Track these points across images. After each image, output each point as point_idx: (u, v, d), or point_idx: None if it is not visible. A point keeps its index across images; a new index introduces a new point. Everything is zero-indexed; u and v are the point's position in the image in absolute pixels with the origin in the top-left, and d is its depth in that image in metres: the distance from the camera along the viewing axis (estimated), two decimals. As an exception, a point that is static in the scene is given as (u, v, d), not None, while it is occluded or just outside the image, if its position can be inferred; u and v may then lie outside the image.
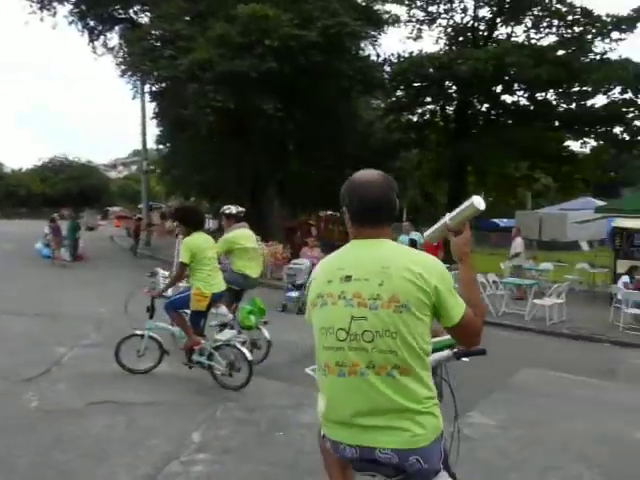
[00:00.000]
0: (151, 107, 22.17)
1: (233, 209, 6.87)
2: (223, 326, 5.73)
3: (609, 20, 18.42)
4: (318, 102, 16.96)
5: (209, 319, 5.70)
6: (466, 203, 2.09)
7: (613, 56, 18.52)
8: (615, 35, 18.64)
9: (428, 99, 21.27)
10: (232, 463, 3.76)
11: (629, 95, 18.19)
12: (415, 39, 22.07)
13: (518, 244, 13.16)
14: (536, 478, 3.84)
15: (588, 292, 13.94)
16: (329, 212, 28.64)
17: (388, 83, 19.81)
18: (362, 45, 18.24)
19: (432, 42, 23.40)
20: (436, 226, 2.19)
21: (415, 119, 23.03)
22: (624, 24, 18.32)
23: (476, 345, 1.99)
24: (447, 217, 2.12)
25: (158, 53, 16.48)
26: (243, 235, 6.67)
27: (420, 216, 28.41)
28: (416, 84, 19.75)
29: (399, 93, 21.07)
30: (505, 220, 30.25)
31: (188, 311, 5.52)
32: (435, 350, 2.21)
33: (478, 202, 2.04)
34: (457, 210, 2.10)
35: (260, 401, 5.09)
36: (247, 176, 19.87)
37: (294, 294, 10.44)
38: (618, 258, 12.67)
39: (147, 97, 21.51)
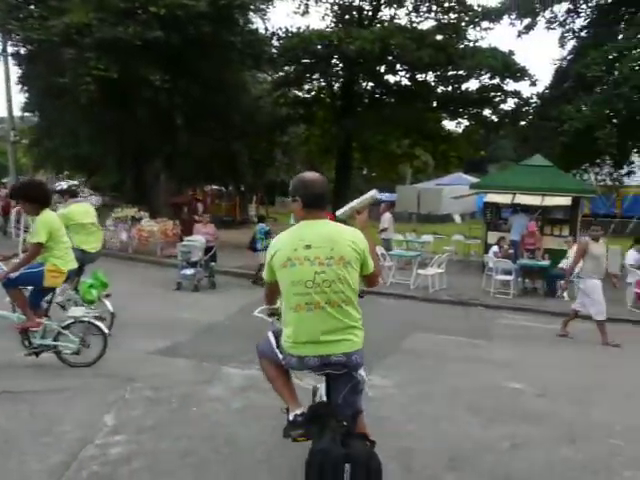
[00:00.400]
0: (15, 71, 20.08)
1: (64, 185, 6.98)
2: (51, 303, 5.60)
3: (480, 10, 19.84)
4: (206, 74, 16.44)
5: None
6: (369, 193, 3.15)
7: (484, 44, 20.08)
8: (485, 24, 20.15)
9: (316, 76, 21.48)
10: (150, 441, 3.78)
11: (497, 81, 19.86)
12: (302, 14, 22.12)
13: (386, 219, 13.87)
14: (431, 426, 4.33)
15: (463, 261, 15.30)
16: (214, 187, 28.00)
17: (277, 58, 19.70)
18: (251, 18, 17.92)
19: (319, 18, 23.60)
20: (347, 207, 3.15)
21: (303, 95, 23.22)
22: (493, 14, 19.82)
23: (376, 286, 2.99)
24: (355, 202, 3.13)
25: (25, 12, 14.93)
26: (79, 210, 6.67)
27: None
28: (305, 60, 19.84)
29: (287, 68, 21.03)
30: (387, 194, 31.72)
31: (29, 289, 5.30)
32: None
33: (376, 194, 3.16)
34: (362, 198, 3.14)
35: (168, 379, 5.09)
36: (130, 149, 18.84)
37: (189, 272, 10.21)
38: (489, 230, 13.86)
39: (11, 60, 19.42)
